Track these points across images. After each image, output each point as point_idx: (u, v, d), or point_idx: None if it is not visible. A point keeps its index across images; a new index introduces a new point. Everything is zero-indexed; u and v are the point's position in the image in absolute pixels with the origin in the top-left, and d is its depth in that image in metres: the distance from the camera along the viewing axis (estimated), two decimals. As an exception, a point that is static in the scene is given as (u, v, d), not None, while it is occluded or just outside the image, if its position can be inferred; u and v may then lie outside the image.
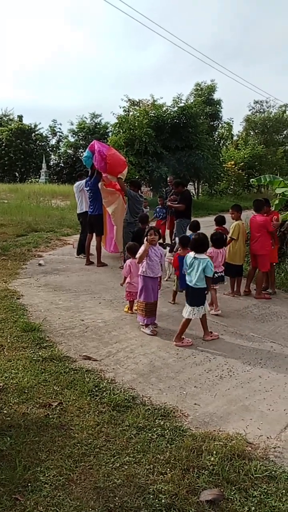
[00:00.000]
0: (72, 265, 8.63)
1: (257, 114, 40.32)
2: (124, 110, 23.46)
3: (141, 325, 5.31)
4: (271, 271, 7.33)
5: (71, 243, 10.61)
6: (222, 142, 30.02)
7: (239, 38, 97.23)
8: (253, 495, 2.56)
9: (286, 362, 4.56)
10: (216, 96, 26.92)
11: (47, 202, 18.42)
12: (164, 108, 22.37)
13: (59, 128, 38.70)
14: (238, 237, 7.02)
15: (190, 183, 26.08)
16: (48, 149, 38.15)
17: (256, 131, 38.58)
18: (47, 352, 4.37)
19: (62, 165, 37.20)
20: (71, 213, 14.34)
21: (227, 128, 29.57)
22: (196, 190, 28.13)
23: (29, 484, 2.54)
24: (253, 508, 2.45)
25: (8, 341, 4.62)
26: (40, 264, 8.43)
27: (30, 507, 2.37)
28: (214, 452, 2.89)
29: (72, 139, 36.40)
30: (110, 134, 25.64)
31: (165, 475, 2.66)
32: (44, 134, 38.34)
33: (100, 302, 6.32)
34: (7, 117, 40.55)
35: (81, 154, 32.88)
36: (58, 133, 38.71)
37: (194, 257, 4.94)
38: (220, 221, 7.81)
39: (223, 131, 29.43)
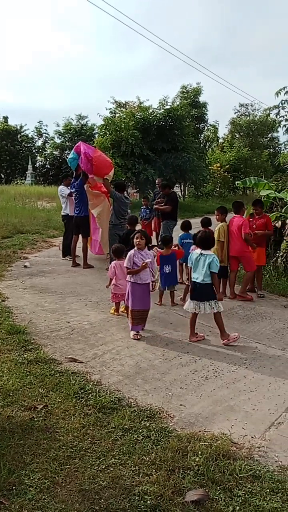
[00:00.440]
0: (58, 267, 8.59)
1: (242, 117, 40.82)
2: (111, 112, 23.47)
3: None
4: (259, 273, 7.39)
5: (57, 245, 10.55)
6: (208, 144, 30.25)
7: (225, 42, 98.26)
8: (238, 494, 2.58)
9: (271, 362, 4.62)
10: (202, 98, 27.15)
11: (33, 204, 18.29)
12: (151, 110, 22.44)
13: (45, 130, 38.50)
14: (224, 239, 7.08)
15: (177, 185, 26.18)
16: (34, 151, 37.89)
17: (242, 134, 38.98)
18: (33, 355, 4.34)
19: (48, 166, 36.99)
20: (57, 214, 14.26)
21: (213, 131, 29.79)
22: (182, 192, 28.26)
23: (13, 488, 2.52)
24: (237, 507, 2.47)
25: (-7, 344, 4.57)
26: (25, 266, 8.37)
27: (15, 510, 2.35)
28: (199, 452, 2.91)
29: (58, 141, 36.21)
30: (96, 135, 25.58)
31: (150, 476, 2.67)
32: (30, 136, 38.09)
33: (86, 304, 6.31)
34: (-8, 118, 40.11)
35: (67, 156, 32.75)
36: (44, 135, 38.50)
37: (201, 253, 5.05)
38: (206, 223, 7.87)
39: (209, 133, 29.65)
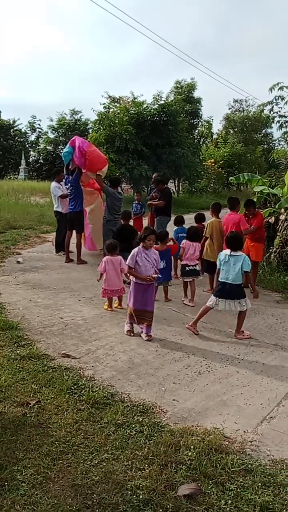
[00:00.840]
0: (51, 262, 8.55)
1: (237, 113, 40.79)
2: (104, 107, 23.34)
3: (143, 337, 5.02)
4: (254, 269, 7.40)
5: (51, 240, 10.50)
6: (202, 140, 30.24)
7: (219, 37, 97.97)
8: (230, 488, 2.59)
9: (263, 357, 4.64)
10: (196, 94, 27.08)
11: (26, 199, 18.18)
12: (145, 106, 22.35)
13: (39, 124, 38.28)
14: (212, 235, 7.07)
15: (171, 180, 26.15)
16: (27, 146, 37.67)
17: (236, 129, 38.98)
18: (25, 350, 4.33)
19: (42, 161, 36.76)
20: (51, 210, 14.14)
21: (207, 126, 29.78)
22: (177, 188, 28.24)
23: (6, 483, 2.52)
24: (229, 501, 2.49)
25: (-15, 339, 4.55)
26: (18, 262, 8.32)
27: (7, 506, 2.35)
28: (192, 447, 2.92)
29: (51, 136, 36.01)
30: (90, 130, 25.46)
31: (143, 471, 2.68)
32: (23, 130, 37.85)
33: (79, 299, 6.29)
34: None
35: (61, 151, 32.52)
36: (37, 129, 38.26)
37: (230, 254, 5.12)
38: (199, 219, 7.93)
39: (203, 129, 29.63)
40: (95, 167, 8.36)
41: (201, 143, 29.98)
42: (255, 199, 9.28)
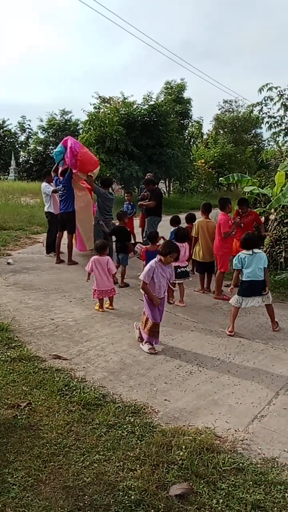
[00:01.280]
0: (42, 263, 8.51)
1: (227, 113, 40.99)
2: (95, 107, 23.31)
3: (139, 340, 4.86)
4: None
5: (41, 241, 10.45)
6: (192, 140, 30.34)
7: (210, 38, 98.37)
8: (221, 487, 2.60)
9: (254, 356, 4.67)
10: (186, 94, 27.20)
11: (16, 200, 18.05)
12: (135, 106, 22.37)
13: (29, 125, 38.03)
14: (198, 235, 7.10)
15: (162, 181, 26.19)
16: (17, 146, 37.41)
17: (226, 130, 39.18)
18: (16, 352, 4.30)
19: (32, 162, 36.52)
20: (41, 211, 14.07)
21: (197, 127, 29.89)
22: (167, 188, 28.30)
23: (-4, 487, 2.50)
24: (221, 500, 2.49)
25: (-25, 342, 4.51)
26: (8, 263, 8.26)
27: (-2, 509, 2.33)
28: (184, 446, 2.93)
29: (41, 136, 35.82)
30: (80, 131, 25.38)
31: (135, 472, 2.67)
32: (12, 131, 37.57)
33: (70, 300, 6.27)
34: (-26, 113, 39.50)
35: (51, 151, 32.36)
36: (27, 130, 38.02)
37: (253, 253, 5.30)
38: (190, 219, 7.96)
39: (193, 129, 29.73)
40: (86, 168, 8.36)
41: (191, 143, 30.09)
42: (246, 199, 9.35)
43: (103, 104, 23.87)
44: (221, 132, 39.61)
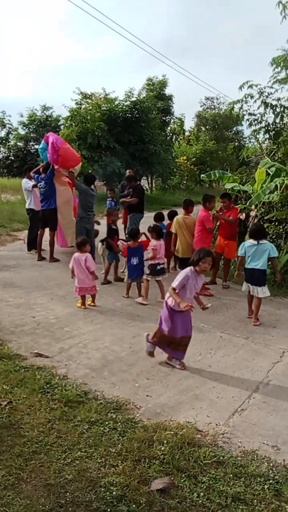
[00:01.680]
0: (23, 261, 8.42)
1: (208, 110, 41.08)
2: (76, 103, 23.06)
3: (167, 361, 4.34)
4: (226, 266, 7.51)
5: (22, 238, 10.33)
6: (174, 137, 30.36)
7: (190, 35, 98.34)
8: (202, 481, 2.64)
9: (235, 350, 4.73)
10: (167, 91, 27.12)
11: (-4, 197, 17.79)
12: (117, 102, 22.24)
13: (9, 120, 37.29)
14: (177, 231, 7.14)
15: (144, 177, 26.16)
16: (-4, 142, 36.73)
17: (207, 127, 39.28)
18: (-4, 351, 4.25)
19: (12, 158, 35.88)
20: (22, 208, 13.89)
21: (179, 124, 29.92)
22: (150, 185, 28.27)
23: (-24, 487, 2.47)
24: (201, 493, 2.53)
25: None
26: (-11, 261, 8.15)
27: (-22, 509, 2.31)
28: (165, 441, 2.95)
29: (22, 132, 35.24)
30: (62, 127, 25.11)
31: (116, 468, 2.69)
32: (-8, 126, 36.85)
33: (52, 298, 6.23)
34: None
35: (32, 147, 31.97)
36: (7, 125, 37.37)
37: (258, 243, 5.57)
38: (172, 215, 7.99)
39: (175, 126, 29.76)
40: (68, 164, 8.29)
41: (173, 140, 30.09)
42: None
43: (84, 100, 23.65)
44: (203, 129, 39.72)
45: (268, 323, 5.66)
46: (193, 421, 3.30)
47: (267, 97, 9.07)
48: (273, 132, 8.90)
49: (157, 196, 25.60)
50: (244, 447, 3.05)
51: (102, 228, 10.08)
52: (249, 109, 9.30)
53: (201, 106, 41.72)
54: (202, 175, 11.00)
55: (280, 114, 8.70)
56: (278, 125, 8.93)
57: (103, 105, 21.74)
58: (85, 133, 20.10)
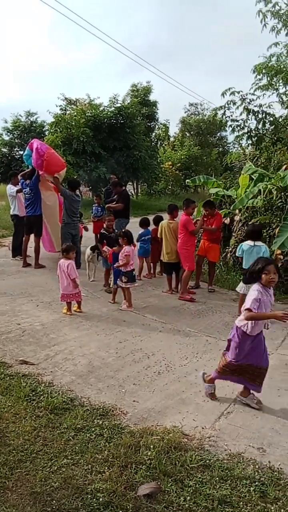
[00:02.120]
0: (8, 267, 8.35)
1: (192, 116, 41.47)
2: (61, 109, 23.06)
3: (241, 398, 3.77)
4: (211, 269, 7.57)
5: (7, 245, 10.25)
6: (159, 143, 30.53)
7: (175, 41, 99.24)
8: (189, 485, 2.64)
9: (220, 354, 4.75)
10: (152, 97, 27.34)
11: (-20, 203, 17.61)
12: (101, 108, 22.32)
13: (-8, 126, 37.06)
14: (162, 236, 7.19)
15: (130, 183, 26.22)
16: (-20, 148, 36.38)
17: (192, 132, 39.65)
18: (-19, 359, 4.20)
19: (-3, 164, 35.66)
20: (6, 214, 13.83)
21: (164, 129, 30.12)
22: (135, 190, 28.35)
23: None
24: (188, 497, 2.53)
25: None
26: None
27: None
28: (152, 446, 2.95)
29: (6, 138, 35.03)
30: (46, 133, 24.99)
31: (103, 474, 2.68)
32: (-24, 132, 36.50)
33: (37, 304, 6.18)
34: None
35: (17, 153, 31.75)
36: (-9, 131, 37.05)
37: (254, 245, 5.70)
38: (158, 221, 8.04)
39: (160, 132, 29.95)
40: (52, 169, 8.28)
41: (158, 146, 30.26)
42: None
43: (69, 105, 23.67)
44: (187, 134, 40.05)
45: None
46: (179, 425, 3.31)
47: (249, 103, 9.22)
48: (256, 138, 9.03)
49: (143, 202, 25.70)
50: (230, 450, 3.06)
51: (89, 234, 10.11)
52: (231, 115, 9.43)
53: (185, 112, 42.15)
54: (187, 180, 11.09)
55: (262, 120, 8.85)
56: (260, 131, 9.07)
57: (88, 111, 21.80)
58: (70, 139, 20.11)
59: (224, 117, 9.33)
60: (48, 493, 2.50)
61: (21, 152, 27.85)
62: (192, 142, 36.62)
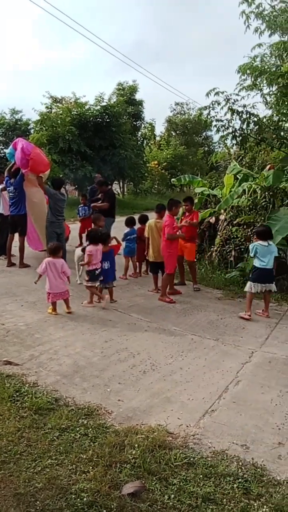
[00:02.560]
0: (-8, 267, 8.25)
1: (178, 115, 41.58)
2: (46, 107, 22.88)
3: None
4: (192, 268, 7.59)
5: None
6: (145, 142, 30.51)
7: (162, 40, 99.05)
8: (173, 483, 2.66)
9: (205, 352, 4.80)
10: (138, 96, 27.29)
11: None
12: (87, 107, 22.22)
13: (-24, 124, 36.57)
14: (149, 235, 7.20)
15: (116, 182, 26.16)
16: None
17: (178, 132, 39.77)
18: None
19: (-19, 162, 35.24)
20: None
21: (150, 129, 30.13)
22: (121, 189, 28.31)
23: None
24: (172, 495, 2.55)
25: None
26: None
27: None
28: (136, 445, 2.96)
29: (-10, 135, 34.61)
30: (32, 131, 24.78)
31: (87, 474, 2.67)
32: None
33: (22, 304, 6.13)
34: None
35: (1, 151, 31.37)
36: (-25, 129, 36.55)
37: (268, 244, 5.97)
38: (143, 220, 8.05)
39: (146, 131, 29.95)
40: (37, 169, 8.21)
41: (144, 145, 30.26)
42: (196, 200, 9.56)
43: (55, 104, 23.48)
44: (173, 134, 40.16)
45: (237, 325, 5.77)
46: (164, 423, 3.32)
47: (233, 104, 9.26)
48: (240, 138, 9.08)
49: (129, 201, 25.68)
50: (214, 447, 3.09)
51: (74, 233, 10.07)
52: (216, 116, 9.45)
53: (171, 112, 42.23)
54: (172, 179, 11.13)
55: (246, 120, 8.89)
56: (245, 131, 9.12)
57: (73, 109, 21.67)
58: (56, 137, 19.97)
59: (209, 117, 9.35)
60: (32, 494, 2.49)
61: (6, 150, 27.58)
62: (178, 142, 36.77)
